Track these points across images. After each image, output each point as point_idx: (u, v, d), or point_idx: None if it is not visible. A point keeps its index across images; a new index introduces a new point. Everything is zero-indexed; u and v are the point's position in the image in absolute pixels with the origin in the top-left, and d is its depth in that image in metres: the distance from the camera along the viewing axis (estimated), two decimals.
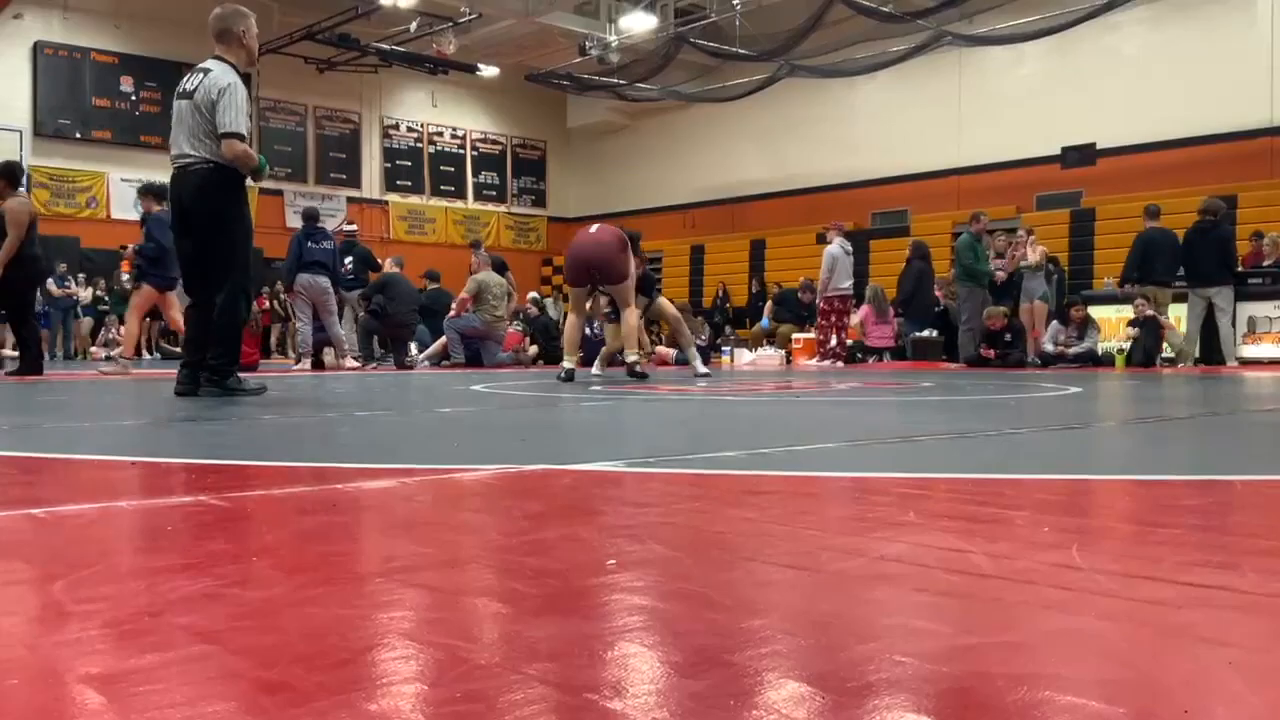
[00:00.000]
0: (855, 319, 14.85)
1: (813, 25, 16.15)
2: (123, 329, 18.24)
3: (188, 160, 5.26)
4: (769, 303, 17.75)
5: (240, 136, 5.18)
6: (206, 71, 5.30)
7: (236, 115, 5.16)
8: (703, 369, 8.63)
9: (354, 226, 14.57)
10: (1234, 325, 11.85)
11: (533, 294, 17.73)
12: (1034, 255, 12.95)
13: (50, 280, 18.18)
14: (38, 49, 19.48)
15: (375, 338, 12.94)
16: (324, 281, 11.23)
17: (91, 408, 5.01)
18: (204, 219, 5.25)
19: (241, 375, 5.53)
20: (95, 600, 1.14)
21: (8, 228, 8.35)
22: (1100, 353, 12.30)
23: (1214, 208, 11.73)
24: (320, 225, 11.63)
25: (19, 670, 0.89)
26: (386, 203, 23.92)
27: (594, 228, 8.01)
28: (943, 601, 1.16)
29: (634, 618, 1.08)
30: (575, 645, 0.96)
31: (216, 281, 5.32)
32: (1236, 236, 14.64)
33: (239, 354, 5.51)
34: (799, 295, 16.69)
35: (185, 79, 5.40)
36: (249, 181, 5.39)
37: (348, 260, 12.74)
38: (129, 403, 5.36)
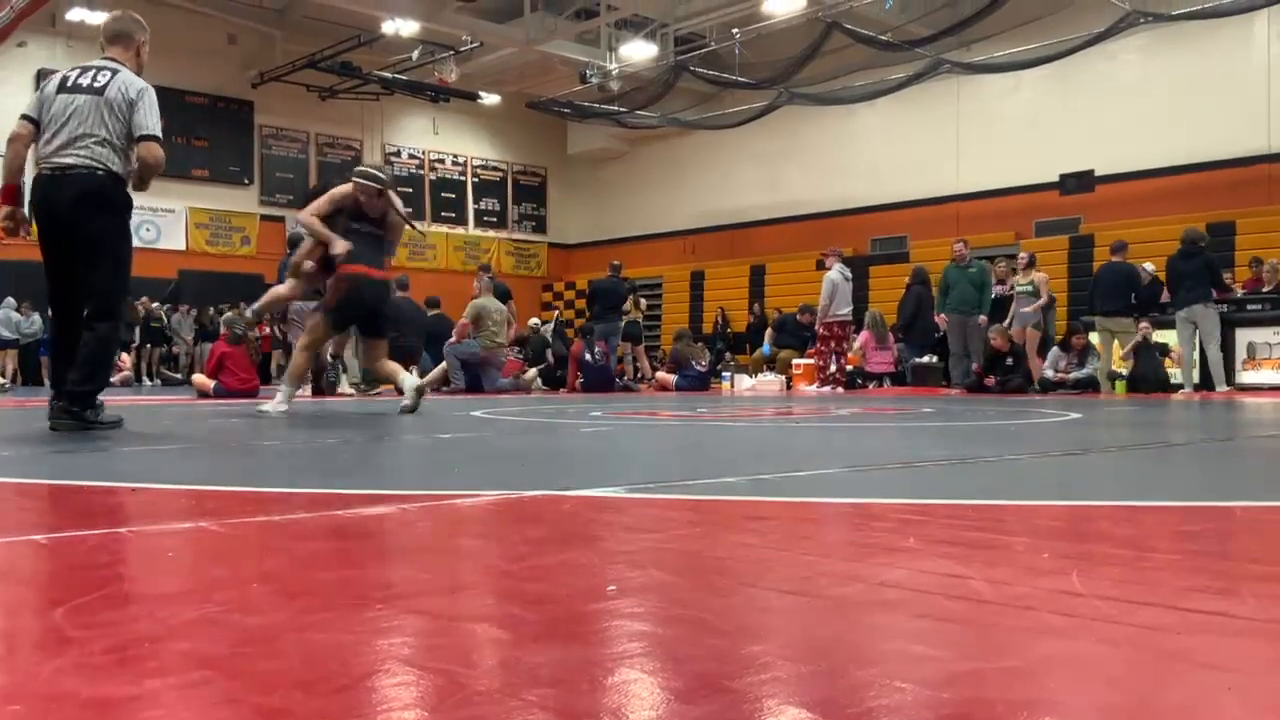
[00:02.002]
0: (856, 344, 14.86)
1: (811, 53, 16.26)
2: (125, 356, 18.33)
3: (73, 164, 4.58)
4: (769, 329, 17.78)
5: (161, 141, 4.68)
6: (115, 71, 4.72)
7: (157, 120, 4.69)
8: (409, 401, 6.29)
9: None
10: (1225, 350, 11.83)
11: (533, 320, 17.76)
12: (1040, 287, 13.02)
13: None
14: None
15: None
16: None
17: (86, 435, 5.00)
18: (91, 233, 4.63)
19: (106, 407, 4.89)
20: (96, 626, 1.14)
21: None
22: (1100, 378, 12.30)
23: (1196, 236, 11.80)
24: None
25: (20, 696, 0.89)
26: None
27: None
28: (942, 627, 1.16)
29: (634, 643, 1.08)
30: (575, 671, 0.96)
31: (97, 302, 4.71)
32: (1236, 262, 14.73)
33: (106, 382, 4.96)
34: (798, 318, 16.73)
35: (79, 74, 4.73)
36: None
37: None
38: (128, 428, 5.35)
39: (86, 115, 4.58)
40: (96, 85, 4.64)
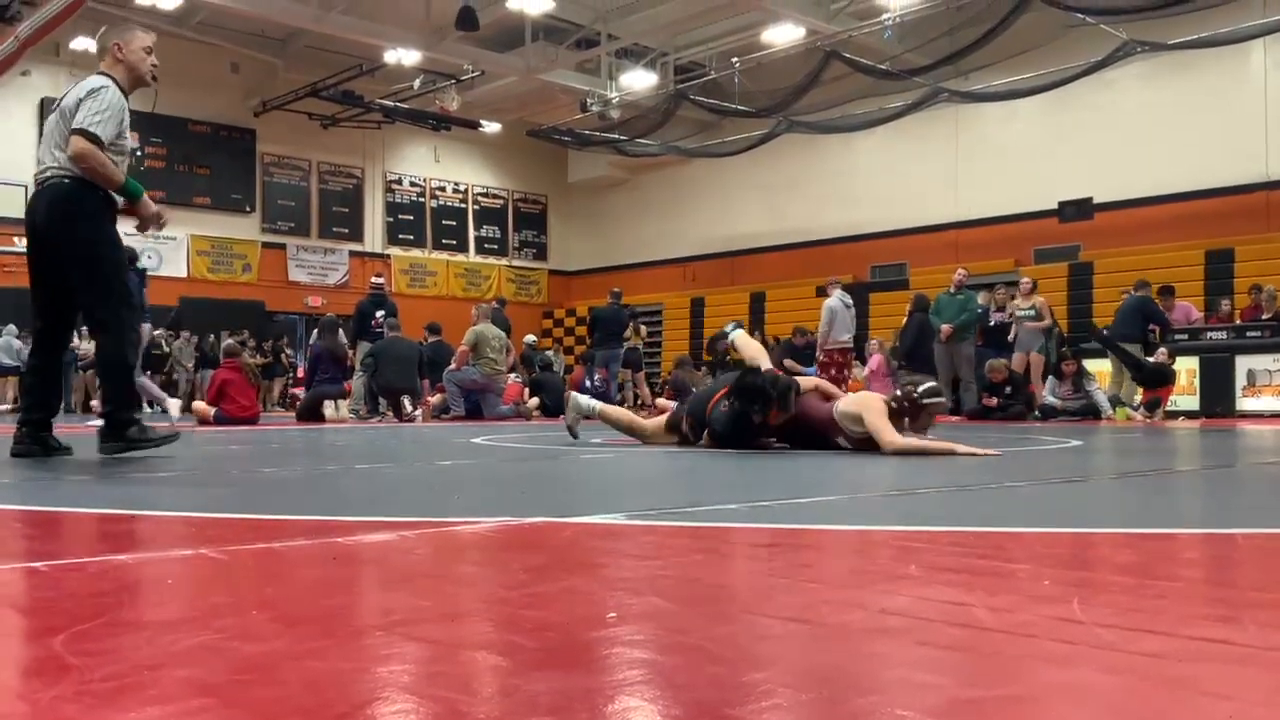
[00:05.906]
0: (865, 370, 14.85)
1: (811, 82, 16.36)
2: None
3: (49, 176, 4.53)
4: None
5: (90, 135, 4.39)
6: (81, 79, 4.71)
7: (94, 115, 4.44)
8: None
9: (381, 279, 14.77)
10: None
11: (529, 336, 17.82)
12: (1041, 310, 13.06)
13: None
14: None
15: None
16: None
17: (87, 462, 4.99)
18: (61, 244, 4.49)
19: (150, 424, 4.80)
20: (96, 653, 1.13)
21: None
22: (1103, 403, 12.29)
23: None
24: None
25: None
26: (389, 256, 24.06)
27: None
28: (944, 655, 1.16)
29: (634, 671, 1.07)
30: (575, 699, 0.96)
31: (89, 319, 4.59)
32: (1235, 289, 14.76)
33: (135, 398, 4.69)
34: (793, 340, 16.72)
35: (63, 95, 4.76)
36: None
37: (379, 313, 12.89)
38: (126, 453, 5.34)
39: (54, 129, 4.61)
40: (59, 99, 4.70)
